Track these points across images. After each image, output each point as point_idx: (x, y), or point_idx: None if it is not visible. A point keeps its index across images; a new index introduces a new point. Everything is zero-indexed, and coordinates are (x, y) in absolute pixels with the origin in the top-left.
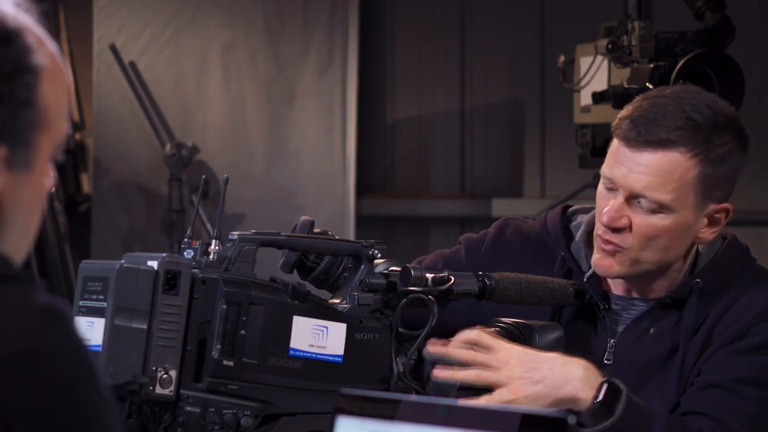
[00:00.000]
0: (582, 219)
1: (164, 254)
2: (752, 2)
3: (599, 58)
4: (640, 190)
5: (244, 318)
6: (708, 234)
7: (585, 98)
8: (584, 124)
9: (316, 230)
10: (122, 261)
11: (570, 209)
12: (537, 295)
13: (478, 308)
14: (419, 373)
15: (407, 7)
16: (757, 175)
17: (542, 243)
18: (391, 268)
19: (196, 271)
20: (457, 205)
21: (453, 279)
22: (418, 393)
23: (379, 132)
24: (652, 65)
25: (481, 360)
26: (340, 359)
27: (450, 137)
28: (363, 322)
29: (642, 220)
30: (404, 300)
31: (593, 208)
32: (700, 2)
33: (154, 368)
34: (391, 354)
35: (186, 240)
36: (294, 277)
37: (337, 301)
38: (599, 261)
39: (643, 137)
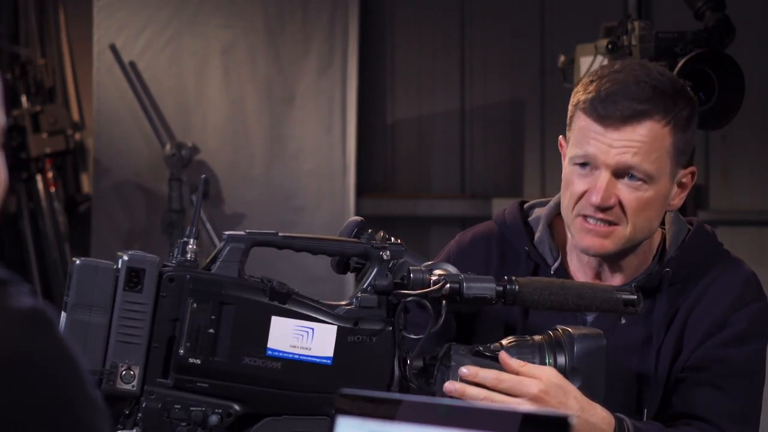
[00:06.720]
0: (540, 212)
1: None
2: (752, 2)
3: (599, 58)
4: (628, 163)
5: (214, 317)
6: (678, 200)
7: None
8: None
9: (370, 231)
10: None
11: (526, 204)
12: (574, 302)
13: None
14: (424, 377)
15: (407, 7)
16: (758, 175)
17: (503, 239)
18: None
19: (167, 269)
20: (457, 205)
21: (443, 281)
22: None
23: (379, 132)
24: None
25: (506, 387)
26: (328, 361)
27: (450, 137)
28: (359, 324)
29: (631, 194)
30: (401, 303)
31: (548, 201)
32: (700, 2)
33: (115, 363)
34: (390, 358)
35: (184, 240)
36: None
37: (344, 302)
38: (589, 241)
39: (619, 112)
